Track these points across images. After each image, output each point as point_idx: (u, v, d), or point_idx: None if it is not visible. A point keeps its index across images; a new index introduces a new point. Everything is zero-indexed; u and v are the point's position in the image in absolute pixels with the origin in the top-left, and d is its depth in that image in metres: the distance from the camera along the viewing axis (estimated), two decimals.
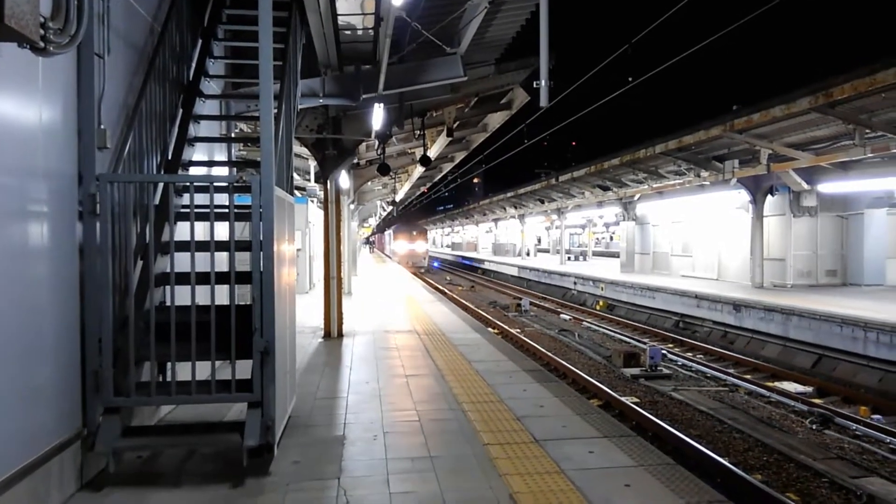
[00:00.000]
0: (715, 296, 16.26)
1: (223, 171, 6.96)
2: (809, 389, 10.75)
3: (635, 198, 24.46)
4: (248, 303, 4.30)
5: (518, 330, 17.15)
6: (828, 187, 16.47)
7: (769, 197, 17.73)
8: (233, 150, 7.50)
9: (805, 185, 16.60)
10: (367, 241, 68.75)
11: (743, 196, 18.01)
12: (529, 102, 11.49)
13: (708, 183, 18.53)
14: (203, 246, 4.32)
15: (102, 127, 4.12)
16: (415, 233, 47.70)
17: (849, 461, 7.33)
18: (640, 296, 20.33)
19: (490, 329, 13.75)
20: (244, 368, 4.24)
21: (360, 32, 7.61)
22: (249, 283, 4.28)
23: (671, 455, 5.76)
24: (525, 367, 7.69)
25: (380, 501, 3.77)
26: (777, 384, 10.92)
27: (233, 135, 8.14)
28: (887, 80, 10.01)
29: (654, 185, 21.51)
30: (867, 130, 12.40)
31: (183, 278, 4.26)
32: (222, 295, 4.32)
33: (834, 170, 15.67)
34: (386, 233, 53.70)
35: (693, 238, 22.27)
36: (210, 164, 6.63)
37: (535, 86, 6.22)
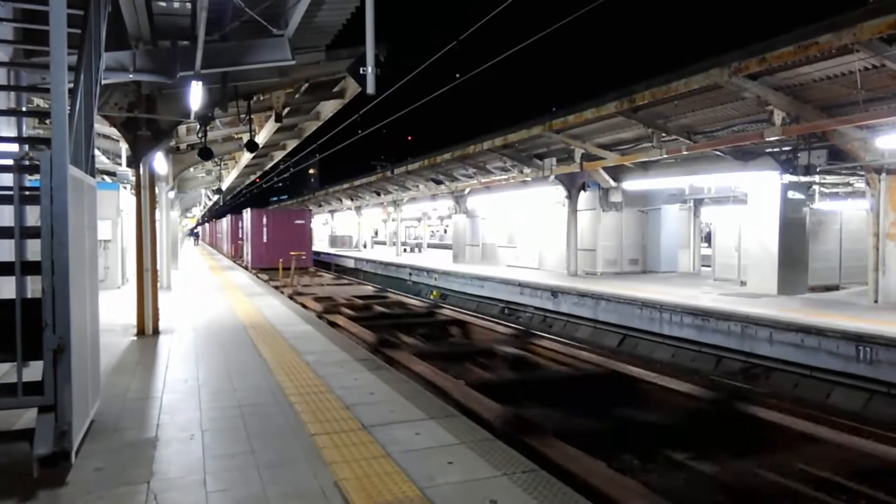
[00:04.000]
0: (535, 283, 17.43)
1: (13, 149, 6.14)
2: None
3: (466, 192, 25.43)
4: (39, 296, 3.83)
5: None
6: (631, 185, 18.32)
7: (582, 193, 19.35)
8: (24, 126, 6.62)
9: (612, 183, 18.32)
10: (192, 233, 64.33)
11: (560, 192, 19.46)
12: (362, 93, 11.42)
13: (530, 179, 19.80)
14: None
15: None
16: None
17: None
18: (470, 285, 21.20)
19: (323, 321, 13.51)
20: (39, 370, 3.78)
21: (176, 5, 7.08)
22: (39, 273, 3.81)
23: (492, 432, 6.08)
24: (357, 357, 7.67)
25: (195, 502, 3.56)
26: None
27: (24, 108, 7.19)
28: (679, 90, 11.35)
29: (483, 180, 22.54)
30: (664, 134, 13.98)
31: None
32: (9, 288, 3.81)
33: (636, 169, 17.47)
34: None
35: (517, 230, 23.66)
36: None
37: (361, 72, 6.17)
